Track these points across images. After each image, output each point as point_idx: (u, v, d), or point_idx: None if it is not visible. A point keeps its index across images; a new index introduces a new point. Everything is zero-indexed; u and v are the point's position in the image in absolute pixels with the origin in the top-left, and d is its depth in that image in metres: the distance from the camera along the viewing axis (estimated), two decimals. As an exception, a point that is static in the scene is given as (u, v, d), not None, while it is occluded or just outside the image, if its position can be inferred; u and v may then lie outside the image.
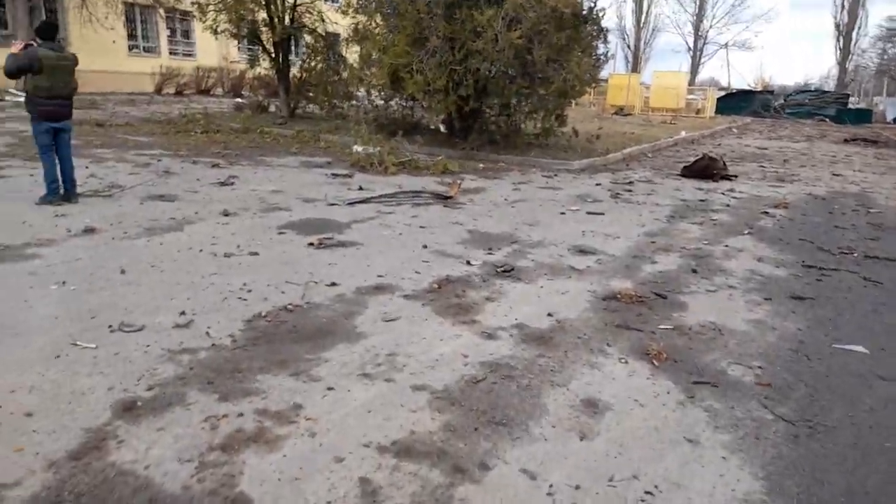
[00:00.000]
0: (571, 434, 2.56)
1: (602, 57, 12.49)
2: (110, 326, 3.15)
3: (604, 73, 33.51)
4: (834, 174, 11.88)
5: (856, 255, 5.83)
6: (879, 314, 4.26)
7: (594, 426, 2.64)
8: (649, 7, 48.93)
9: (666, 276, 4.90)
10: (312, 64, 15.57)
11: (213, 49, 24.67)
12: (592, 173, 10.50)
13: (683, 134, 18.17)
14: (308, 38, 15.86)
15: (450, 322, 3.69)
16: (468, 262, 4.91)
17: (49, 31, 5.83)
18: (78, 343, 2.91)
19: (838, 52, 45.75)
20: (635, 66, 47.56)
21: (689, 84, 36.22)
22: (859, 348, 3.67)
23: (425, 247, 5.29)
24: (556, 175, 10.01)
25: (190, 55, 25.70)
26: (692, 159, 11.10)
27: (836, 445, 2.63)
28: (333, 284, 4.17)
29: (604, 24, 12.22)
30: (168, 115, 15.24)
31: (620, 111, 26.55)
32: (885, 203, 8.74)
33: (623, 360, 3.34)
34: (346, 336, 3.36)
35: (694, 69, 48.22)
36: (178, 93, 23.58)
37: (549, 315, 3.92)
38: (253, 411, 2.45)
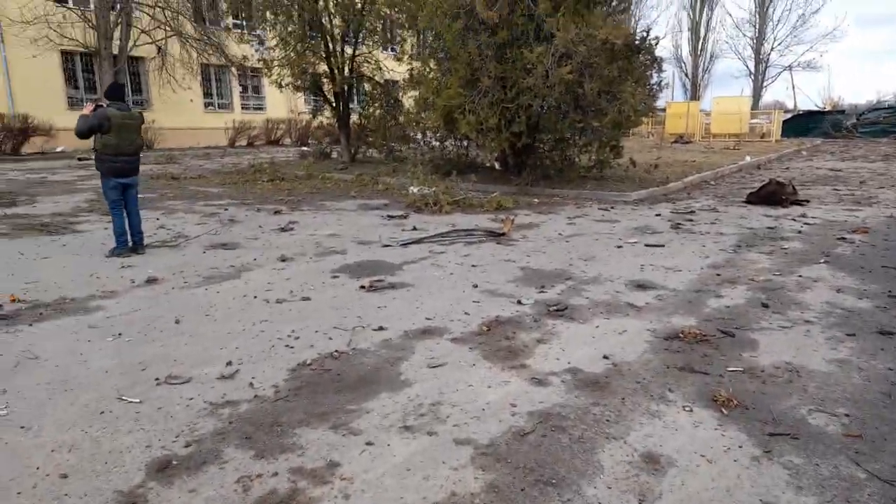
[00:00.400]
0: (629, 496, 2.33)
1: (656, 86, 12.24)
2: (157, 379, 3.18)
3: (661, 103, 32.97)
4: (920, 194, 11.01)
5: (953, 282, 5.28)
6: None
7: (655, 487, 2.40)
8: (706, 34, 48.02)
9: (733, 312, 4.57)
10: (371, 110, 16.07)
11: (282, 102, 25.99)
12: (651, 204, 10.15)
13: (748, 159, 17.45)
14: (367, 87, 16.42)
15: (498, 367, 3.53)
16: (519, 302, 4.74)
17: (116, 91, 6.21)
18: (124, 398, 2.94)
19: (916, 64, 43.24)
20: (694, 93, 46.46)
21: (753, 108, 35.02)
22: (965, 392, 3.24)
23: (476, 286, 5.17)
24: (612, 207, 9.73)
25: (260, 109, 27.17)
26: (758, 185, 10.57)
27: (945, 510, 2.28)
28: (381, 329, 4.10)
29: (657, 53, 12.01)
30: (238, 165, 15.98)
31: (680, 139, 25.87)
32: (983, 224, 7.97)
33: (687, 408, 3.06)
34: (389, 384, 3.26)
35: (756, 93, 46.54)
36: (250, 144, 24.84)
37: (605, 358, 3.70)
38: (287, 470, 2.36)
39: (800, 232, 7.63)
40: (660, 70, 12.65)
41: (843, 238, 7.21)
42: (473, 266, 5.88)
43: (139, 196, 6.58)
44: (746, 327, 4.24)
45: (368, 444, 2.61)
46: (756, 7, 46.96)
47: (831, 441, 2.76)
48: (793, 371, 3.52)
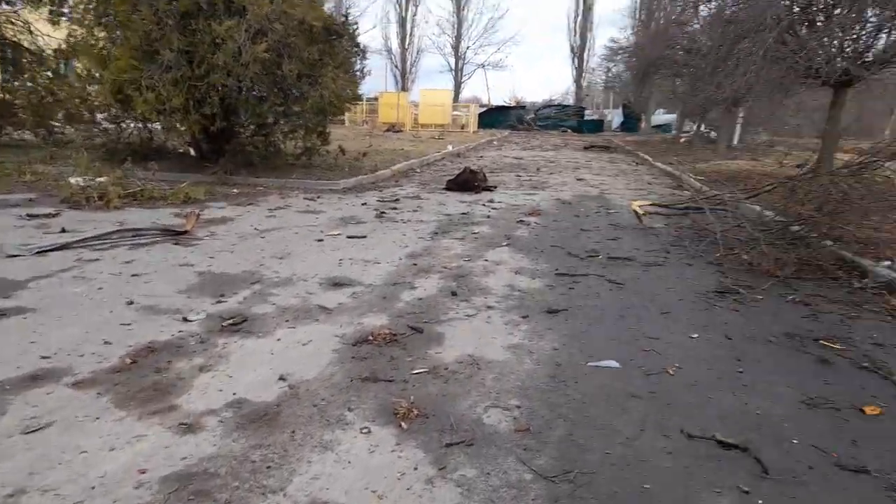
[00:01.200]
0: (273, 581, 1.81)
1: (359, 73, 12.15)
2: None
3: (374, 92, 33.99)
4: (578, 179, 13.03)
5: (600, 257, 6.06)
6: (624, 319, 4.28)
7: (311, 554, 1.93)
8: (412, 29, 51.09)
9: (425, 304, 4.45)
10: (17, 84, 12.82)
11: None
12: (359, 192, 10.00)
13: (450, 148, 18.82)
14: (10, 53, 13.03)
15: (135, 415, 2.70)
16: (185, 319, 3.90)
17: None
18: None
19: (574, 70, 52.63)
20: (404, 85, 49.21)
21: (454, 101, 38.51)
22: (612, 363, 3.53)
23: (131, 303, 4.14)
24: (319, 197, 9.28)
25: None
26: (456, 172, 11.24)
27: (597, 500, 2.28)
28: (-42, 385, 2.89)
29: (367, 41, 12.00)
30: None
31: (392, 128, 26.92)
32: (619, 202, 9.63)
33: (365, 430, 2.69)
34: (-61, 478, 2.19)
35: (457, 87, 51.47)
36: None
37: (281, 379, 3.15)
38: None
39: (488, 216, 8.18)
40: (363, 57, 12.64)
41: (522, 221, 7.93)
42: (135, 276, 4.78)
43: None
44: (435, 320, 4.13)
45: None
46: (454, 8, 51.68)
47: (503, 441, 2.65)
48: (474, 364, 3.45)
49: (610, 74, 37.58)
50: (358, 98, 18.19)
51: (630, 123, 36.96)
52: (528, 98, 53.07)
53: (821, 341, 3.91)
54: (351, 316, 4.15)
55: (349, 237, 6.58)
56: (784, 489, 2.39)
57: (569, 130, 35.84)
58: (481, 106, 41.88)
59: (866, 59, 8.98)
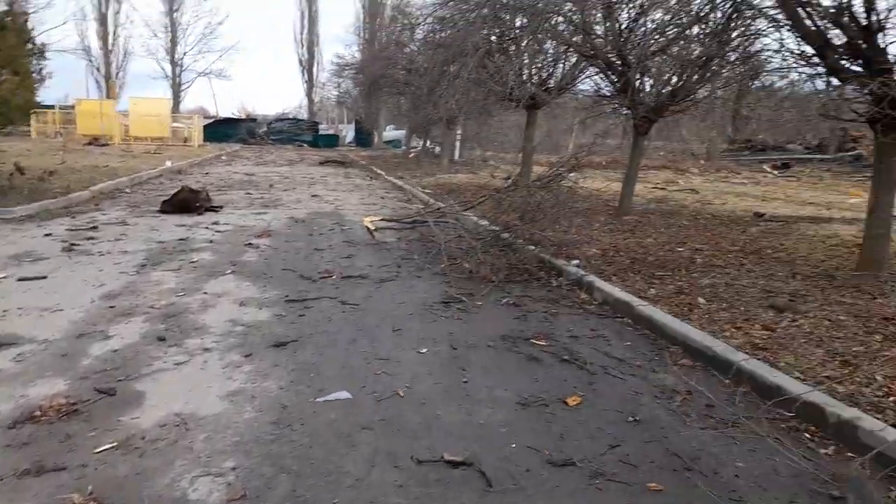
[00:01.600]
0: None
1: (37, 75, 10.10)
2: None
3: (73, 99, 29.05)
4: (313, 195, 12.77)
5: (334, 277, 5.87)
6: (357, 343, 4.13)
7: None
8: (116, 29, 45.07)
9: (121, 357, 3.69)
10: None
11: None
12: (43, 221, 8.22)
13: (169, 164, 16.95)
14: None
15: None
16: None
17: None
18: None
19: (305, 84, 52.24)
20: (109, 91, 43.09)
21: (174, 111, 35.11)
22: (343, 394, 3.32)
23: None
24: (-18, 229, 7.36)
25: None
26: (172, 192, 10.04)
27: (323, 568, 2.01)
28: None
29: (45, 38, 9.93)
30: None
31: (95, 142, 23.26)
32: (353, 218, 9.63)
33: (13, 552, 2.01)
34: None
35: (176, 96, 46.88)
36: None
37: None
38: None
39: (211, 241, 7.40)
40: (41, 57, 10.58)
41: (251, 244, 7.33)
42: None
43: None
44: (134, 375, 3.44)
45: None
46: (166, 8, 47.08)
47: (212, 520, 2.23)
48: (181, 424, 2.91)
49: (340, 90, 38.24)
50: (38, 105, 15.18)
51: (363, 138, 38.08)
52: (260, 111, 51.18)
53: (531, 340, 4.28)
54: (11, 387, 3.22)
55: (21, 279, 5.28)
56: (506, 499, 2.44)
57: (304, 145, 35.45)
58: (207, 118, 38.92)
59: (548, 86, 10.54)
